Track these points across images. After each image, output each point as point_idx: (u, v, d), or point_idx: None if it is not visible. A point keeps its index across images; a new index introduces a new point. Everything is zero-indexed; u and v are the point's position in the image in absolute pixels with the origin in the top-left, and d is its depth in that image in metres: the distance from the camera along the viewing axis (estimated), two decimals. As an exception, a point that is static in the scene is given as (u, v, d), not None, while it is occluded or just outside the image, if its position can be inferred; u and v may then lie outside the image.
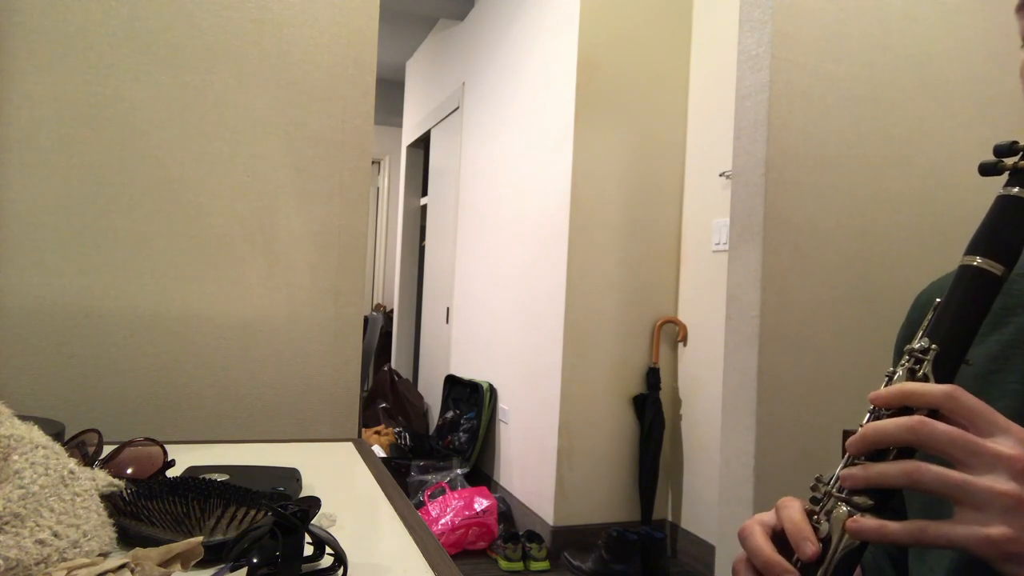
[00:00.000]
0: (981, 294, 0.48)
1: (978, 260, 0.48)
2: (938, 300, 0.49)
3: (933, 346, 0.47)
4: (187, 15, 1.43)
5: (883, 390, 0.47)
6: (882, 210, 1.74)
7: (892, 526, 0.43)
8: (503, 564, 2.86)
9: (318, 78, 1.51)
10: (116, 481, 0.77)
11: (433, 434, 4.08)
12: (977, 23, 1.81)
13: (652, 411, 2.98)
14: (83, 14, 1.37)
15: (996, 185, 0.50)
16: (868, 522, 0.43)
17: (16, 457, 0.66)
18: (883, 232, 1.74)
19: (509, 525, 3.21)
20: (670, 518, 3.06)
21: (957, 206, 1.79)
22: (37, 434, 0.72)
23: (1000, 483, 0.41)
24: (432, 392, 4.75)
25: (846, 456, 0.47)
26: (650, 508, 2.97)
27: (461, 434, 3.74)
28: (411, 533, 0.84)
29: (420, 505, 3.16)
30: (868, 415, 0.48)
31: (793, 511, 0.48)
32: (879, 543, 0.44)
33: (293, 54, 1.50)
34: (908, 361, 0.48)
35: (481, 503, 3.06)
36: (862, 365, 1.70)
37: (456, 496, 3.11)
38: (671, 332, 3.08)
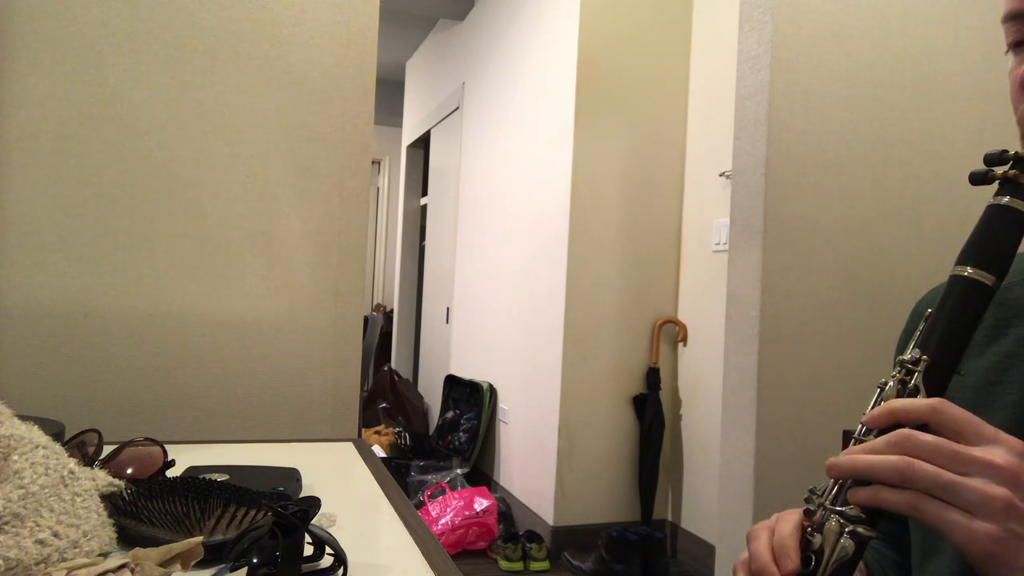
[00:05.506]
0: (972, 304, 0.48)
1: (968, 270, 0.48)
2: (929, 311, 0.49)
3: (924, 357, 0.47)
4: (187, 15, 1.43)
5: (872, 411, 0.47)
6: (882, 210, 1.74)
7: (887, 491, 0.43)
8: (503, 564, 2.86)
9: (318, 78, 1.51)
10: (116, 481, 0.77)
11: (433, 434, 4.08)
12: (977, 22, 1.81)
13: (652, 411, 2.98)
14: (83, 14, 1.37)
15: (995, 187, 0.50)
16: (863, 490, 0.44)
17: (16, 457, 0.66)
18: (883, 232, 1.74)
19: (509, 525, 3.21)
20: (670, 518, 3.06)
21: (957, 206, 1.79)
22: (37, 434, 0.72)
23: (990, 487, 0.41)
24: (432, 392, 4.75)
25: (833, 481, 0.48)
26: (650, 508, 2.97)
27: (461, 434, 3.74)
28: (411, 533, 0.84)
29: (420, 505, 3.16)
30: (853, 440, 0.48)
31: (786, 525, 0.49)
32: (874, 508, 0.45)
33: (293, 54, 1.50)
34: (899, 372, 0.48)
35: (481, 503, 3.06)
36: (862, 365, 1.70)
37: (456, 496, 3.11)
38: (671, 332, 3.08)
